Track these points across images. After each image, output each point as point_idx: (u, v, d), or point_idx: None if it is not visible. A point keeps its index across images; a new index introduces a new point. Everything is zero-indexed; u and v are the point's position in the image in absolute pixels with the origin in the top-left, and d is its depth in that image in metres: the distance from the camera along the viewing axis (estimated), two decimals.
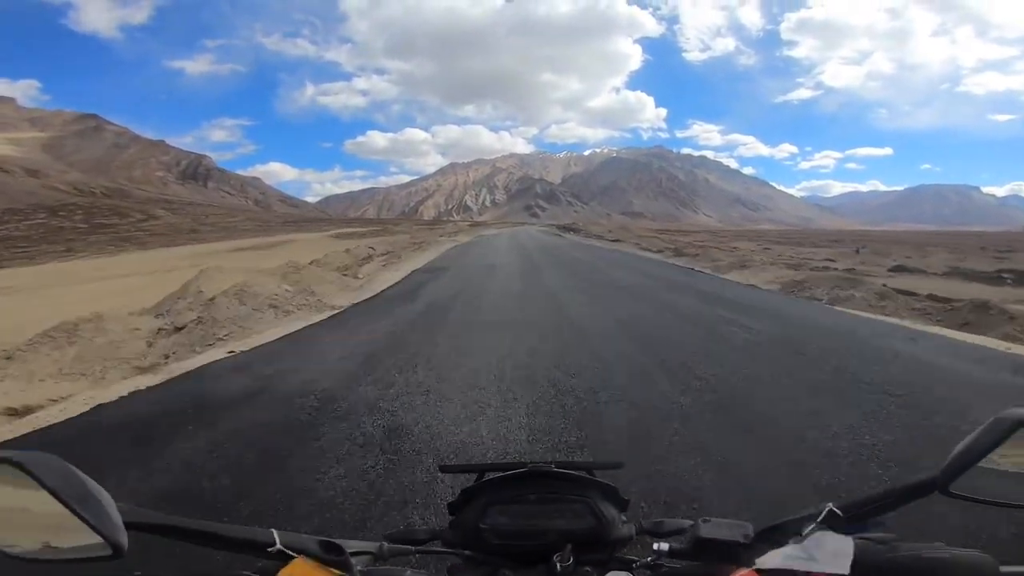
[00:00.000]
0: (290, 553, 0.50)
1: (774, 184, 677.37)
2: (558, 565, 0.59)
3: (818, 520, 0.50)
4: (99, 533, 0.40)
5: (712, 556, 0.57)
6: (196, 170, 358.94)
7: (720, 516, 0.59)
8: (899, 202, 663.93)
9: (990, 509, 0.48)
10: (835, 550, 0.47)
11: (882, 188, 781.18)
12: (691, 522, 0.65)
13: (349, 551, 0.54)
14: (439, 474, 2.32)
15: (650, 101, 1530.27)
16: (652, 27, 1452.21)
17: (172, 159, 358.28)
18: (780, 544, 0.51)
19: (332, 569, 0.50)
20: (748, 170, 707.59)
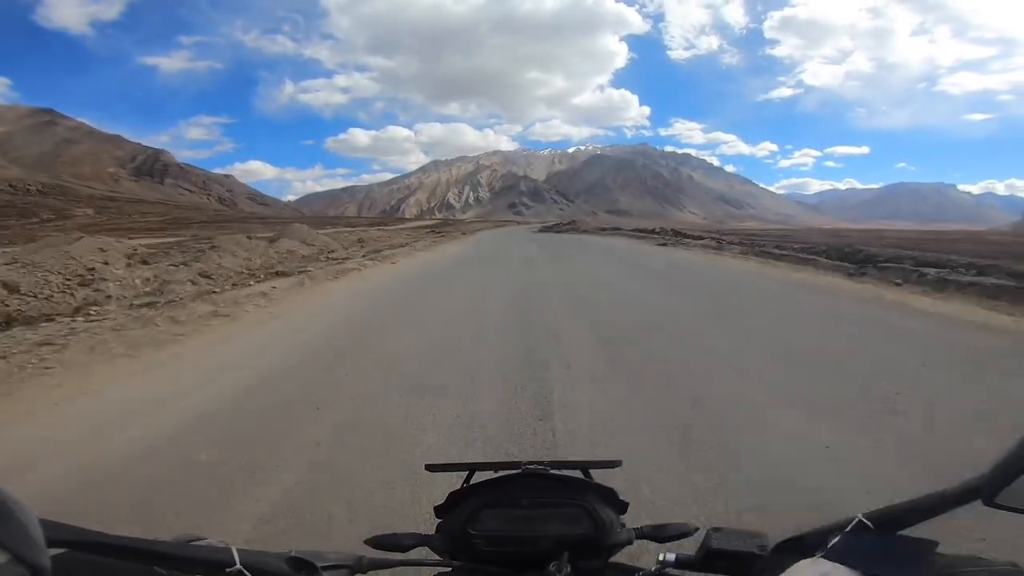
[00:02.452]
0: (248, 575, 0.44)
1: (756, 182, 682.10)
2: (556, 574, 0.55)
3: (845, 531, 0.46)
4: (14, 554, 0.33)
5: (723, 568, 0.53)
6: (153, 166, 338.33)
7: (731, 525, 0.54)
8: (878, 200, 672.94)
9: None
10: (863, 565, 0.43)
11: (858, 186, 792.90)
12: (695, 527, 0.62)
13: (322, 565, 0.49)
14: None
15: (634, 99, 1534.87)
16: (638, 24, 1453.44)
17: (127, 154, 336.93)
18: (800, 557, 0.47)
19: None
20: (730, 168, 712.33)
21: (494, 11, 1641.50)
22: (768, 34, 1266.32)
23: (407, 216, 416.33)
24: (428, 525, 0.68)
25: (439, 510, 0.66)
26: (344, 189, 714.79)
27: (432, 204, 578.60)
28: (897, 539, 0.46)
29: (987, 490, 0.42)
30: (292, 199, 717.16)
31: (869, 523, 0.46)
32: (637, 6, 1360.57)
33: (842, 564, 0.44)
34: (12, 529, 0.33)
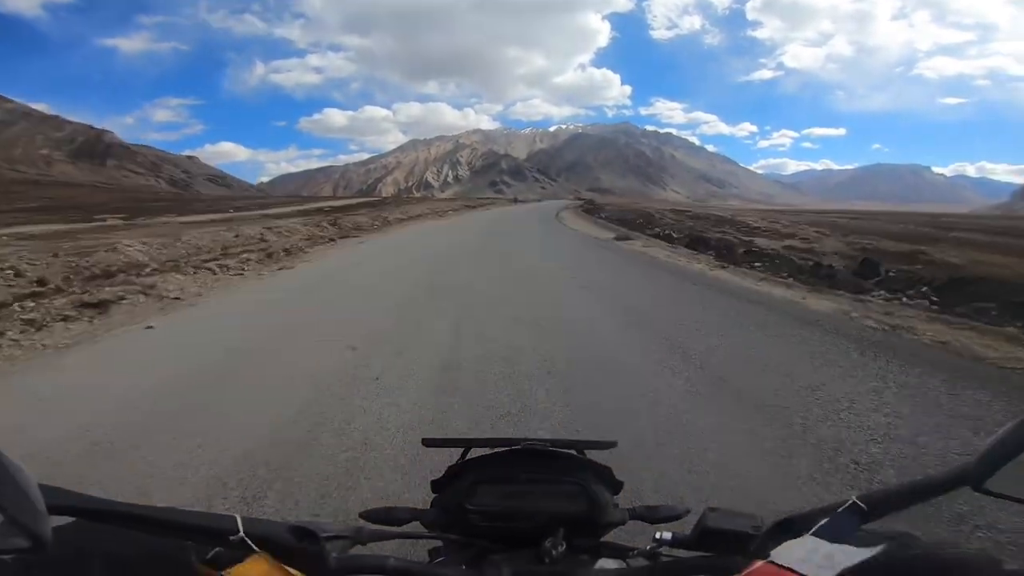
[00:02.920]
0: (252, 544, 0.43)
1: (737, 162, 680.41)
2: (552, 550, 0.56)
3: (837, 512, 0.47)
4: (14, 521, 0.32)
5: (719, 547, 0.54)
6: (94, 147, 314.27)
7: (728, 505, 0.56)
8: (855, 180, 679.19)
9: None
10: (850, 547, 0.44)
11: (834, 167, 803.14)
12: (688, 509, 0.62)
13: (323, 536, 0.49)
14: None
15: (616, 79, 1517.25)
16: (622, 3, 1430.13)
17: (66, 135, 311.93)
18: (794, 536, 0.48)
19: (295, 567, 0.44)
20: (710, 148, 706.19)
21: None
22: (751, 15, 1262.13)
23: (383, 195, 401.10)
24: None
25: (436, 484, 0.66)
26: (319, 169, 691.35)
27: (410, 183, 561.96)
28: (883, 522, 0.47)
29: (975, 476, 0.43)
30: (265, 180, 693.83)
31: (863, 505, 0.47)
32: None
33: (826, 544, 0.44)
34: (11, 495, 0.32)
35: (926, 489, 0.47)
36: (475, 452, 0.68)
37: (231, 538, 0.43)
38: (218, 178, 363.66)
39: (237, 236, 13.63)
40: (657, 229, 18.35)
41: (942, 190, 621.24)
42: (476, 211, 40.96)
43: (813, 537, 0.46)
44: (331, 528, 0.52)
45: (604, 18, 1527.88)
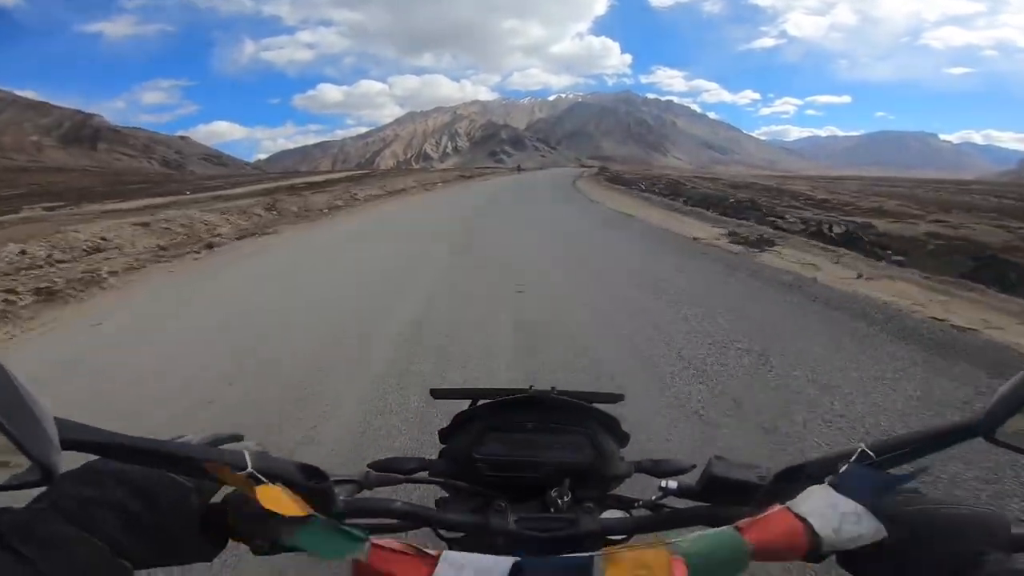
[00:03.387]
0: (262, 478, 0.43)
1: (740, 128, 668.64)
2: (557, 500, 0.56)
3: (851, 461, 0.47)
4: (26, 452, 0.32)
5: (723, 497, 0.54)
6: (81, 131, 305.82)
7: (732, 456, 0.55)
8: (860, 147, 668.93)
9: None
10: (867, 496, 0.44)
11: (839, 133, 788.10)
12: (692, 464, 0.63)
13: (332, 479, 0.49)
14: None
15: (615, 47, 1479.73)
16: None
17: (53, 121, 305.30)
18: (801, 486, 0.47)
19: (309, 498, 0.44)
20: (712, 115, 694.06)
21: None
22: None
23: (382, 168, 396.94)
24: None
25: (443, 434, 0.66)
26: (317, 145, 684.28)
27: (409, 155, 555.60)
28: (894, 473, 0.47)
29: (986, 426, 0.43)
30: (263, 158, 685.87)
31: (871, 453, 0.47)
32: None
33: (848, 496, 0.44)
34: (27, 427, 0.32)
35: (936, 438, 0.47)
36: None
37: (239, 473, 0.43)
38: (213, 157, 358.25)
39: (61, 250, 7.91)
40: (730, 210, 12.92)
41: (948, 157, 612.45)
42: (472, 182, 33.10)
43: (829, 489, 0.45)
44: (339, 473, 0.52)
45: None
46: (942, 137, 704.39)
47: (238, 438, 0.53)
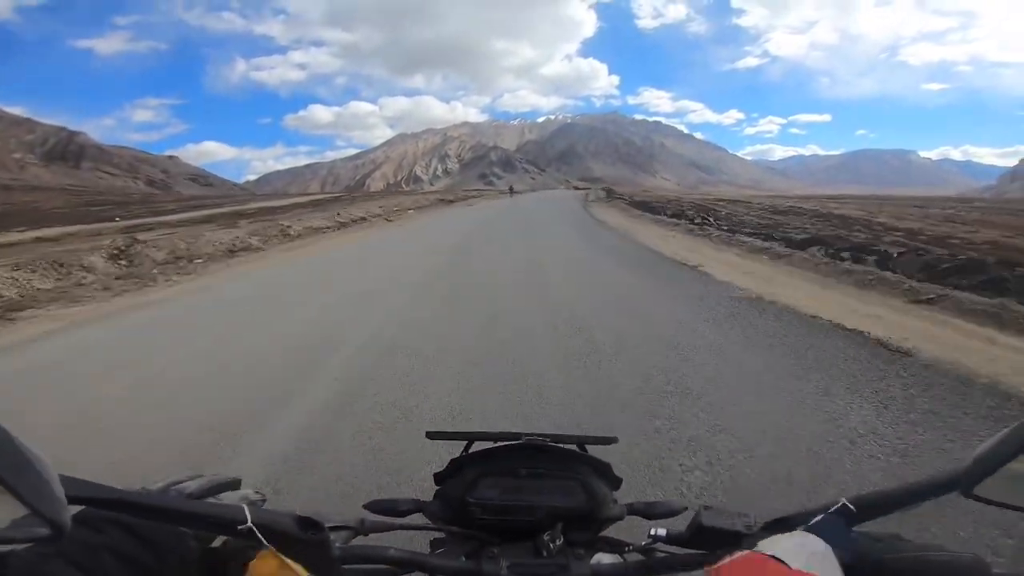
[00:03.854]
0: (260, 536, 0.44)
1: (725, 148, 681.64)
2: (549, 544, 0.57)
3: (828, 513, 0.48)
4: (35, 510, 0.32)
5: (712, 544, 0.55)
6: (66, 149, 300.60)
7: (721, 503, 0.54)
8: (842, 165, 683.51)
9: (1009, 513, 0.46)
10: (834, 545, 0.44)
11: (821, 152, 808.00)
12: (684, 506, 0.63)
13: (328, 526, 0.50)
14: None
15: (603, 68, 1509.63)
16: None
17: (38, 138, 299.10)
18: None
19: (306, 549, 0.45)
20: (698, 135, 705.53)
21: None
22: (735, 3, 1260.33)
23: (372, 190, 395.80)
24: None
25: (439, 477, 0.67)
26: (307, 166, 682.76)
27: (399, 177, 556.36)
28: (872, 524, 0.48)
29: (966, 482, 0.43)
30: (252, 179, 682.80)
31: (852, 507, 0.47)
32: None
33: (813, 541, 0.45)
34: (33, 485, 0.32)
35: (916, 493, 0.47)
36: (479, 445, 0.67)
37: (239, 527, 0.43)
38: (200, 177, 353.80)
39: None
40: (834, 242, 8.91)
41: (929, 174, 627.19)
42: (453, 209, 27.73)
43: (795, 534, 0.46)
44: (335, 518, 0.53)
45: (590, 7, 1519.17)
46: (921, 154, 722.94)
47: (236, 484, 0.52)
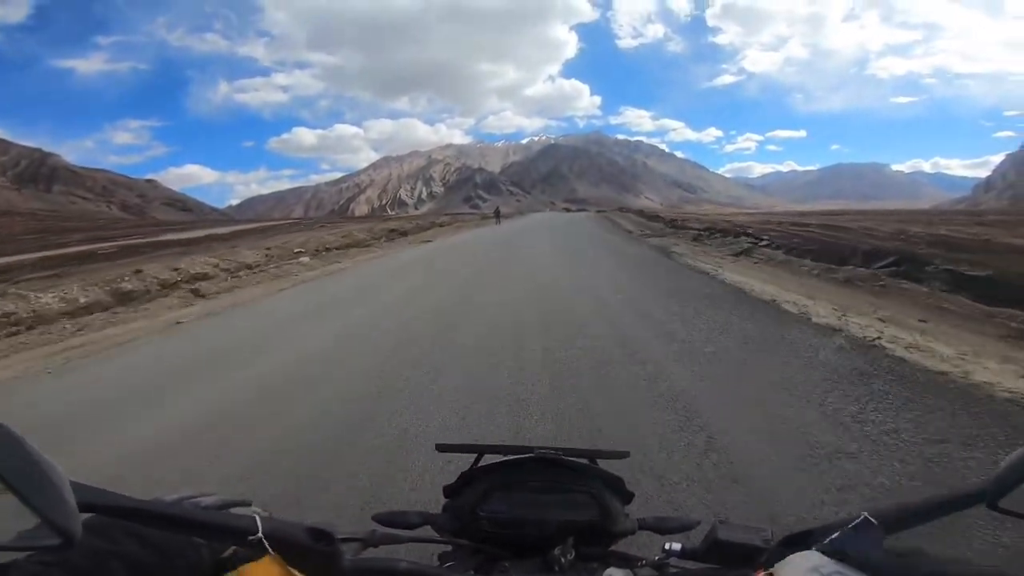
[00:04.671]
0: (267, 545, 0.44)
1: (706, 166, 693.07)
2: (560, 559, 0.55)
3: (848, 527, 0.46)
4: (46, 519, 0.32)
5: (727, 560, 0.53)
6: (38, 171, 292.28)
7: (737, 518, 0.54)
8: (820, 180, 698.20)
9: None
10: (856, 561, 0.43)
11: (798, 168, 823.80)
12: (697, 520, 0.63)
13: (338, 537, 0.50)
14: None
15: (585, 89, 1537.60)
16: (588, 12, 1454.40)
17: (10, 160, 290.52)
18: (803, 550, 0.47)
19: (313, 566, 0.45)
20: (679, 154, 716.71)
21: (441, 1, 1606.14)
22: (711, 22, 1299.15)
23: (356, 214, 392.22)
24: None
25: (448, 490, 0.66)
26: (291, 190, 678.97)
27: (384, 201, 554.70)
28: (894, 538, 0.46)
29: (991, 494, 0.42)
30: (235, 203, 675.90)
31: (874, 520, 0.46)
32: None
33: (834, 558, 0.44)
34: (45, 493, 0.32)
35: (940, 506, 0.46)
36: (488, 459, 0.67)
37: (249, 538, 0.43)
38: (177, 202, 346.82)
39: None
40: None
41: (903, 187, 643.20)
42: (411, 250, 17.13)
43: (819, 552, 0.45)
44: (345, 530, 0.53)
45: (571, 29, 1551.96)
46: (894, 167, 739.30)
47: (247, 503, 0.52)
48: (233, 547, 0.46)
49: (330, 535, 0.47)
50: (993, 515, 0.43)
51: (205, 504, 0.51)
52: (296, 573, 0.44)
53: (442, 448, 0.72)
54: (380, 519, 0.63)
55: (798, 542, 0.49)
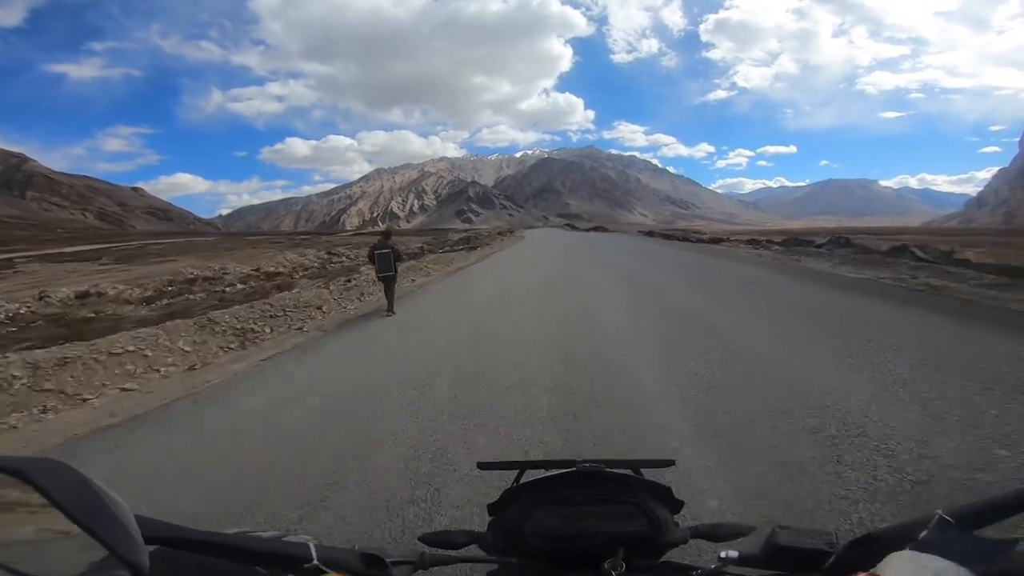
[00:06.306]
0: (325, 570, 0.46)
1: (698, 182, 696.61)
2: (611, 572, 0.55)
3: (929, 527, 0.45)
4: (114, 552, 0.34)
5: (791, 565, 0.52)
6: (12, 178, 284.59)
7: (797, 524, 0.53)
8: (810, 196, 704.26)
9: None
10: (955, 558, 0.41)
11: (788, 184, 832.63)
12: (752, 527, 0.61)
13: (389, 561, 0.51)
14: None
15: (580, 103, 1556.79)
16: (583, 27, 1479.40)
17: None
18: (878, 554, 0.45)
19: None
20: (672, 170, 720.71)
21: (437, 14, 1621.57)
22: (704, 37, 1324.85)
23: (347, 228, 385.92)
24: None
25: (492, 508, 0.66)
26: (281, 201, 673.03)
27: (375, 214, 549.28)
28: (984, 535, 0.44)
29: None
30: (226, 213, 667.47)
31: (949, 519, 0.45)
32: (583, 8, 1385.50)
33: (931, 556, 0.42)
34: (112, 527, 0.35)
35: (1014, 502, 0.45)
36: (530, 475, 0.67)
37: (306, 566, 0.45)
38: (159, 211, 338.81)
39: None
40: None
41: (892, 203, 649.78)
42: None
43: (915, 551, 0.43)
44: (395, 553, 0.54)
45: (566, 43, 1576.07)
46: (882, 183, 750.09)
47: (301, 536, 0.53)
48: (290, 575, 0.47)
49: (381, 560, 0.49)
50: None
51: (263, 537, 0.52)
52: None
53: (484, 466, 0.73)
54: (427, 540, 0.63)
55: (865, 544, 0.48)
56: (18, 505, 0.35)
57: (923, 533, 0.45)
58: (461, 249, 25.88)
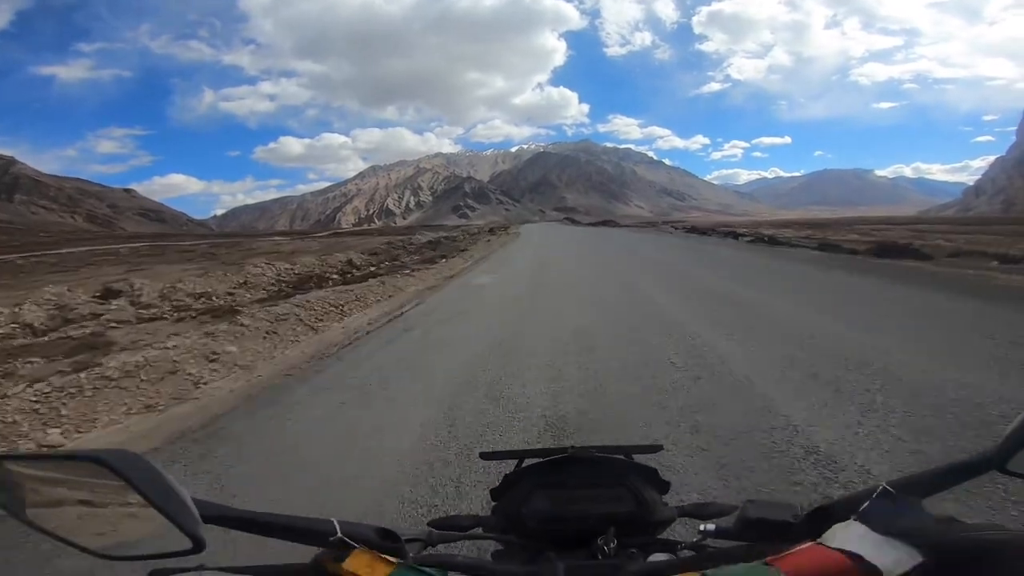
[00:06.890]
0: (349, 542, 0.51)
1: (694, 174, 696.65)
2: (603, 548, 0.59)
3: (872, 498, 0.48)
4: (182, 529, 0.41)
5: (758, 536, 0.57)
6: (0, 180, 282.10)
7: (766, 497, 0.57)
8: (805, 187, 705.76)
9: None
10: (893, 529, 0.45)
11: (783, 174, 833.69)
12: (735, 505, 0.65)
13: (403, 538, 0.56)
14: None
15: (574, 97, 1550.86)
16: (576, 20, 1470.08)
17: None
18: (829, 524, 0.49)
19: (388, 556, 0.51)
20: (667, 162, 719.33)
21: (429, 10, 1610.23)
22: (697, 29, 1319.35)
23: (343, 226, 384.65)
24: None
25: (494, 492, 0.72)
26: (275, 200, 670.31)
27: (371, 211, 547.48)
28: (921, 505, 0.48)
29: (999, 459, 0.44)
30: (220, 213, 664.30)
31: (892, 490, 0.48)
32: (575, 1, 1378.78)
33: (872, 527, 0.45)
34: (177, 507, 0.42)
35: (951, 473, 0.48)
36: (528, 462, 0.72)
37: (331, 539, 0.51)
38: (151, 212, 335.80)
39: None
40: None
41: (886, 192, 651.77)
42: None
43: (855, 522, 0.47)
44: (407, 532, 0.59)
45: (559, 37, 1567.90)
46: (877, 173, 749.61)
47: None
48: (322, 549, 0.52)
49: (395, 534, 0.54)
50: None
51: (293, 516, 0.57)
52: (384, 557, 0.50)
53: (486, 456, 0.78)
54: (435, 524, 0.67)
55: (823, 515, 0.52)
56: (99, 488, 0.43)
57: (866, 504, 0.48)
58: (405, 272, 12.56)
